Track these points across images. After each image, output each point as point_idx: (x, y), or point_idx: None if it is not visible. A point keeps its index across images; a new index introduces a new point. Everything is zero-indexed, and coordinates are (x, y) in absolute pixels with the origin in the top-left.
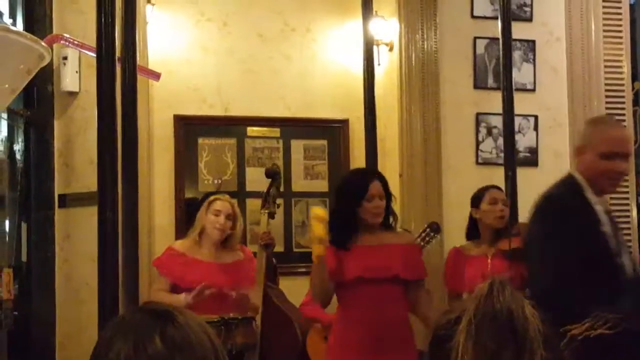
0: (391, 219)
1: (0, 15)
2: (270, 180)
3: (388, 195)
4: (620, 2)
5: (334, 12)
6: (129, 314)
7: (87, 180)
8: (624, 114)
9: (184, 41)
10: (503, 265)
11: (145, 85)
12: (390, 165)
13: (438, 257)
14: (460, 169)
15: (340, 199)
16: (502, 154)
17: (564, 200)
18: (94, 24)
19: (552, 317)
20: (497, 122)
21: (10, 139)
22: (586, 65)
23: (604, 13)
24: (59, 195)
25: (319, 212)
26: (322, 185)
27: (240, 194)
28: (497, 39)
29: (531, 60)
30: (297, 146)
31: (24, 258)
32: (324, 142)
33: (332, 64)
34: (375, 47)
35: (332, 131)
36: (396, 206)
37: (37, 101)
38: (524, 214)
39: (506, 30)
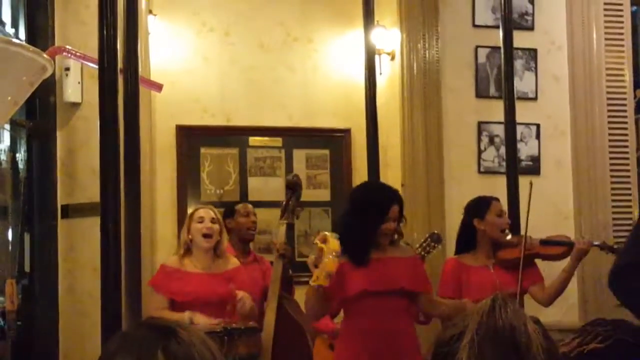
0: (396, 236)
1: (3, 25)
2: (290, 191)
3: (401, 217)
4: (621, 10)
5: (335, 22)
6: (132, 329)
7: (90, 190)
8: (625, 122)
9: (186, 51)
10: (507, 276)
11: (147, 95)
12: (392, 174)
13: (440, 267)
14: (462, 178)
15: (358, 215)
16: (504, 163)
17: None
18: (96, 35)
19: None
20: (499, 130)
21: (13, 150)
22: (588, 73)
23: (606, 21)
24: (62, 206)
25: (336, 246)
26: (325, 195)
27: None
28: (499, 47)
29: (533, 68)
30: (299, 156)
31: (27, 269)
32: (326, 152)
33: (334, 73)
34: (377, 57)
35: (334, 141)
36: None
37: (40, 112)
38: (530, 222)
39: (508, 39)
